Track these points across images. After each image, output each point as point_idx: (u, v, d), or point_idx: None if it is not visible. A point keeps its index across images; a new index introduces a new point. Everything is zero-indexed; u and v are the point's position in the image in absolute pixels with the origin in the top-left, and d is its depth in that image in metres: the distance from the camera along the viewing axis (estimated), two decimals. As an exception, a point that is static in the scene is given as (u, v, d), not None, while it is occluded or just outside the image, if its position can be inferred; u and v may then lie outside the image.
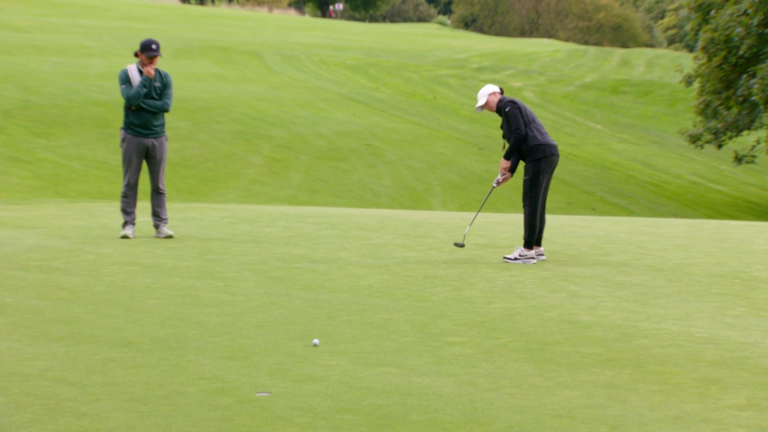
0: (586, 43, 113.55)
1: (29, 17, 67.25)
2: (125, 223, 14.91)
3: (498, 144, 45.75)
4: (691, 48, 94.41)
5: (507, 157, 12.83)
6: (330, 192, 34.39)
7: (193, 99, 42.82)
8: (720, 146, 46.41)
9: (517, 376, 8.05)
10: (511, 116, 12.63)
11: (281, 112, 43.88)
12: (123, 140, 14.80)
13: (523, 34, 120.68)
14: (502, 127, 12.82)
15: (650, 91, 65.52)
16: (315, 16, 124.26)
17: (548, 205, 37.06)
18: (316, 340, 8.77)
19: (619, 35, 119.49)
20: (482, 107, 12.89)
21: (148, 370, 8.00)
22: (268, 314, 10.11)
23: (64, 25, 65.14)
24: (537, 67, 72.02)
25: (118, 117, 37.83)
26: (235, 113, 41.64)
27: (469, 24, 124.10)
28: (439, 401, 7.34)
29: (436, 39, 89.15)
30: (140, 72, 14.55)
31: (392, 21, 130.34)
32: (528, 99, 60.42)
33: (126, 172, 14.81)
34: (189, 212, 19.00)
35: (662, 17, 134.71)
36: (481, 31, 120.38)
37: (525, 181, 12.93)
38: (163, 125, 14.88)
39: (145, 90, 14.45)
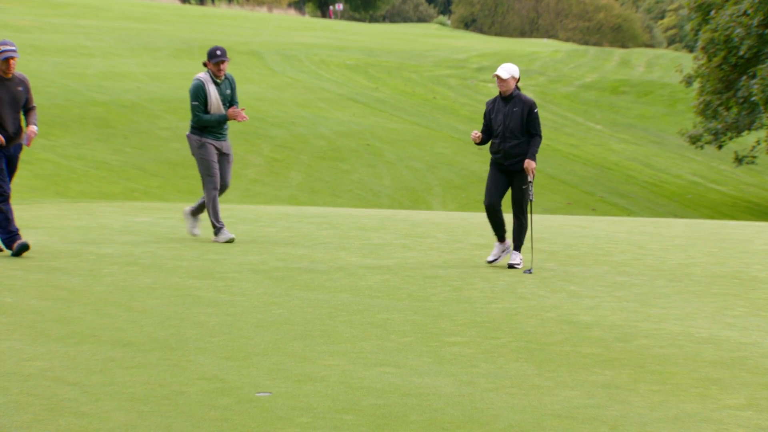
0: (586, 43, 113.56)
1: (29, 17, 67.25)
2: (220, 229, 14.55)
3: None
4: (691, 48, 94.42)
5: (533, 156, 12.12)
6: (330, 192, 34.39)
7: (193, 99, 42.80)
8: (720, 147, 46.41)
9: (517, 376, 8.06)
10: (537, 118, 11.95)
11: (281, 112, 43.88)
12: (201, 146, 14.37)
13: (523, 34, 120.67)
14: (506, 115, 11.96)
15: (650, 92, 65.52)
16: (315, 16, 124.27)
17: (548, 205, 37.14)
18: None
19: (619, 35, 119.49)
20: (505, 80, 11.92)
21: (148, 370, 8.00)
22: (268, 314, 10.11)
23: (64, 26, 65.15)
24: (537, 67, 72.03)
25: (119, 118, 37.86)
26: (235, 113, 41.61)
27: (469, 24, 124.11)
28: (439, 401, 7.34)
29: (436, 39, 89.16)
30: (214, 82, 14.15)
31: (392, 21, 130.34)
32: (528, 99, 60.44)
33: (211, 175, 14.44)
34: (189, 212, 18.98)
35: (662, 17, 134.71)
36: (481, 31, 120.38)
37: (524, 189, 12.22)
38: (227, 128, 14.68)
39: (218, 121, 14.27)
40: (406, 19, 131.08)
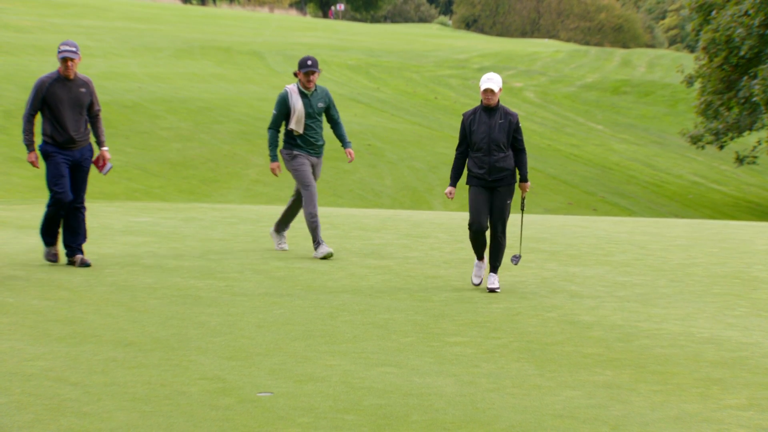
0: (587, 43, 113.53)
1: (31, 18, 67.26)
2: (321, 243, 13.46)
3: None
4: (692, 48, 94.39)
5: (527, 178, 11.27)
6: (331, 192, 34.38)
7: (195, 99, 42.83)
8: (721, 147, 46.41)
9: (519, 376, 8.06)
10: (521, 131, 11.08)
11: (282, 113, 43.86)
12: (293, 158, 13.48)
13: (524, 34, 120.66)
14: (490, 127, 10.95)
15: (651, 92, 65.51)
16: (316, 16, 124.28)
17: (549, 205, 37.16)
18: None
19: (620, 36, 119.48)
20: (495, 93, 10.89)
21: (149, 370, 8.01)
22: (270, 314, 10.12)
23: (65, 26, 65.16)
24: (538, 67, 72.03)
25: (120, 118, 37.84)
26: (236, 113, 41.65)
27: (470, 24, 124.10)
28: (440, 401, 7.34)
29: (438, 39, 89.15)
30: (302, 93, 13.29)
31: (393, 21, 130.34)
32: (529, 99, 60.45)
33: (307, 186, 13.48)
34: (190, 212, 19.01)
35: (663, 18, 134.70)
36: (482, 31, 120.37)
37: (509, 205, 11.20)
38: (323, 144, 13.80)
39: (269, 145, 13.45)
40: (407, 20, 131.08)
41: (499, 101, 10.97)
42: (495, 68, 68.38)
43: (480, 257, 11.39)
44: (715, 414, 7.15)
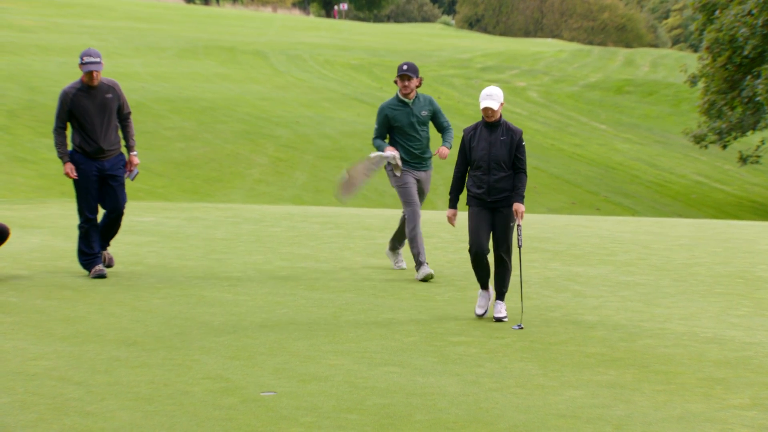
0: (590, 43, 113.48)
1: (34, 17, 67.30)
2: (423, 264, 12.19)
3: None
4: (695, 48, 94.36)
5: (522, 200, 10.05)
6: (334, 192, 34.41)
7: (198, 99, 42.85)
8: (725, 147, 46.39)
9: (522, 376, 8.06)
10: (524, 151, 10.06)
11: (286, 112, 43.88)
12: (398, 176, 12.35)
13: (527, 34, 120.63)
14: (491, 143, 10.02)
15: (654, 91, 65.48)
16: (319, 16, 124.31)
17: (553, 204, 37.15)
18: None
19: (624, 35, 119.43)
20: (495, 110, 9.97)
21: (152, 369, 8.01)
22: (273, 314, 10.12)
23: (68, 26, 65.19)
24: (541, 67, 72.01)
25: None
26: (239, 113, 41.65)
27: (473, 24, 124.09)
28: (443, 401, 7.35)
29: (441, 39, 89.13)
30: (401, 102, 12.12)
31: (396, 21, 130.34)
32: (532, 99, 60.43)
33: (410, 204, 12.31)
34: (194, 212, 19.02)
35: (667, 17, 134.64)
36: (485, 31, 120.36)
37: (510, 228, 10.09)
38: (430, 157, 12.41)
39: (385, 160, 12.12)
40: (410, 19, 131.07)
41: (501, 116, 10.05)
42: (498, 68, 68.40)
43: (484, 286, 10.24)
44: (719, 414, 7.15)
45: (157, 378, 7.75)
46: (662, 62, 77.95)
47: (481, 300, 10.26)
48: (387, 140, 12.46)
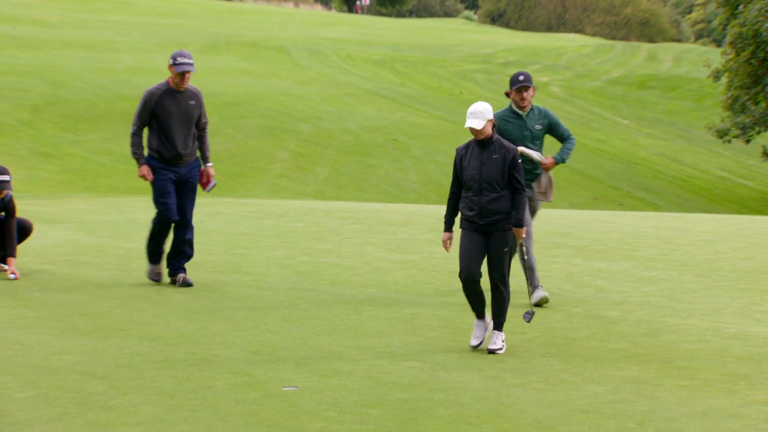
0: (613, 38, 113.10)
1: (57, 13, 67.54)
2: (537, 287, 10.98)
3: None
4: (719, 43, 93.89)
5: (522, 222, 9.13)
6: (356, 187, 34.40)
7: (220, 94, 42.91)
8: (748, 141, 46.17)
9: (544, 372, 8.05)
10: (522, 170, 9.19)
11: (307, 107, 43.91)
12: None
13: (549, 29, 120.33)
14: (482, 162, 9.16)
15: (678, 86, 65.22)
16: (341, 11, 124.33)
17: (575, 199, 37.08)
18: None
19: (647, 30, 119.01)
20: (480, 130, 9.15)
21: (175, 364, 8.04)
22: (295, 309, 10.13)
23: (91, 21, 65.39)
24: (564, 62, 71.81)
25: (146, 112, 37.91)
26: (261, 108, 41.69)
27: (495, 19, 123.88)
28: (465, 396, 7.34)
29: (463, 34, 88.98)
30: (514, 113, 11.08)
31: (419, 16, 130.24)
32: (555, 94, 60.29)
33: None
34: (216, 207, 19.05)
35: (690, 12, 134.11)
36: (507, 26, 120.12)
37: (506, 252, 9.16)
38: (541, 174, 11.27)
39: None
40: (432, 14, 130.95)
41: (495, 133, 9.23)
42: (520, 63, 68.24)
43: (479, 315, 9.14)
44: (742, 409, 7.12)
45: (179, 373, 7.77)
46: (685, 57, 77.62)
47: (476, 330, 9.11)
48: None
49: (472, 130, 9.10)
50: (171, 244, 11.41)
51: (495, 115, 10.75)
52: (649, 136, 53.68)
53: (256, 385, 7.49)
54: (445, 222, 9.31)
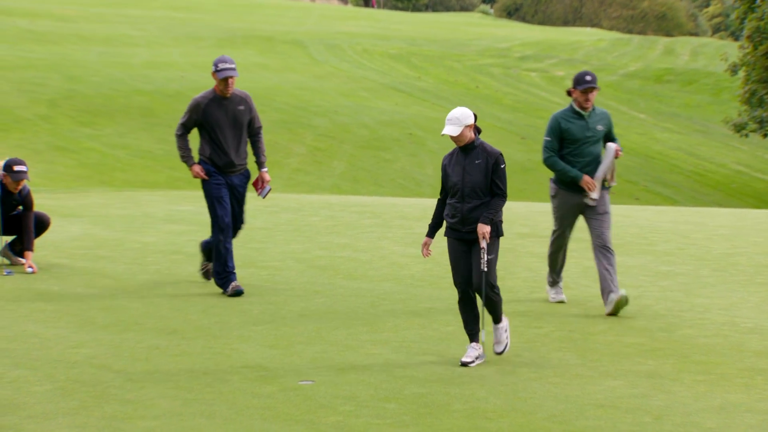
0: (630, 32, 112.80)
1: (74, 7, 67.72)
2: (555, 283, 10.92)
3: (541, 133, 45.43)
4: (736, 37, 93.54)
5: (487, 219, 8.65)
6: (372, 181, 34.42)
7: (237, 88, 42.94)
8: (765, 135, 46.03)
9: (560, 366, 8.05)
10: (504, 174, 8.75)
11: (324, 102, 43.94)
12: (553, 195, 10.82)
13: (566, 23, 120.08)
14: (465, 169, 8.76)
15: (695, 80, 65.05)
16: (358, 5, 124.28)
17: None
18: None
19: (664, 24, 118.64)
20: (457, 137, 8.74)
21: (192, 357, 8.06)
22: (311, 303, 10.14)
23: (108, 15, 65.55)
24: (580, 56, 71.67)
25: (163, 107, 38.02)
26: (278, 102, 41.73)
27: (512, 13, 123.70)
28: (481, 390, 7.34)
29: (479, 28, 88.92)
30: (576, 113, 10.58)
31: (435, 10, 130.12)
32: (571, 88, 60.15)
33: (555, 228, 10.82)
34: (232, 201, 19.06)
35: (707, 6, 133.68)
36: (524, 20, 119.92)
37: (491, 260, 8.67)
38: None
39: (567, 175, 10.58)
40: (448, 8, 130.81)
41: (477, 138, 8.82)
42: (537, 57, 68.16)
43: (472, 337, 8.52)
44: (759, 404, 7.11)
45: (196, 366, 7.79)
46: (702, 51, 77.38)
47: (470, 350, 8.45)
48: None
49: (450, 137, 8.74)
50: (206, 243, 11.16)
51: (555, 115, 10.68)
52: (666, 130, 53.55)
53: (273, 378, 7.50)
54: (429, 227, 9.01)
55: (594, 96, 10.63)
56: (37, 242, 11.94)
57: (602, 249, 10.41)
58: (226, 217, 10.88)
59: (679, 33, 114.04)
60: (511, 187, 36.17)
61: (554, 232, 10.80)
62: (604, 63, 69.35)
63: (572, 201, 10.61)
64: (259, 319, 9.42)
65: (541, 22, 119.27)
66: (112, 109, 37.26)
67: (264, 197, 11.39)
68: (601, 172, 10.49)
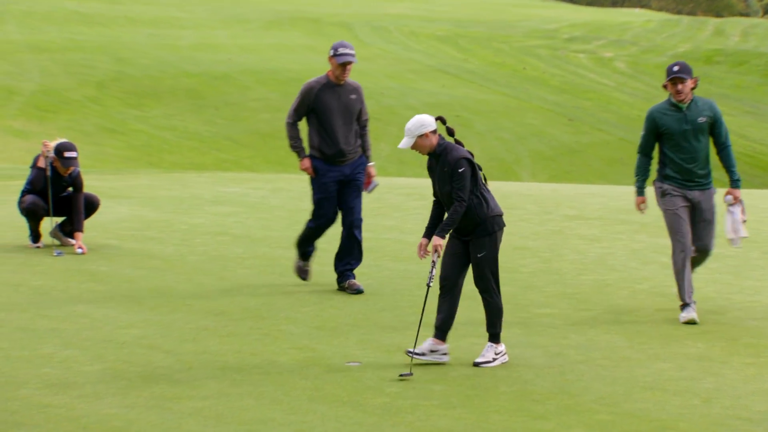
0: (679, 12, 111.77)
1: (122, -10, 68.03)
2: (686, 305, 9.30)
3: (588, 115, 45.18)
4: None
5: (443, 233, 8.28)
6: (419, 163, 34.36)
7: (283, 70, 43.02)
8: (817, 117, 45.52)
9: (608, 348, 8.01)
10: (461, 179, 8.35)
11: (370, 84, 43.89)
12: (661, 195, 10.13)
13: (614, 3, 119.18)
14: (438, 177, 8.43)
15: (745, 61, 64.38)
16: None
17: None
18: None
19: (714, 5, 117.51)
20: (419, 145, 8.35)
21: (239, 338, 8.10)
22: (358, 284, 10.15)
23: (156, -2, 65.82)
24: (629, 37, 71.13)
25: (210, 89, 38.16)
26: (324, 84, 41.75)
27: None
28: (528, 372, 7.33)
29: (526, 9, 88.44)
30: (673, 106, 9.92)
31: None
32: (619, 69, 59.77)
33: (674, 233, 9.86)
34: (278, 183, 19.13)
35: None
36: (572, 1, 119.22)
37: (482, 259, 8.30)
38: (709, 173, 10.22)
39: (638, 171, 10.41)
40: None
41: (439, 144, 8.46)
42: (585, 38, 67.68)
43: (438, 334, 8.06)
44: (810, 388, 7.05)
45: (244, 347, 7.83)
46: (753, 32, 76.54)
47: (425, 343, 7.97)
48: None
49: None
50: (339, 244, 10.68)
51: (650, 109, 10.14)
52: (716, 111, 53.05)
53: (320, 360, 7.52)
54: (426, 228, 8.52)
55: (687, 87, 9.81)
56: (87, 223, 12.02)
57: (702, 252, 9.90)
58: (328, 220, 10.65)
59: (729, 14, 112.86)
60: (557, 168, 36.01)
61: (673, 238, 9.85)
62: (653, 44, 68.79)
63: (683, 196, 10.00)
64: (307, 301, 9.45)
65: (590, 3, 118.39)
66: (159, 91, 37.46)
67: (370, 192, 11.04)
68: (729, 230, 10.02)
